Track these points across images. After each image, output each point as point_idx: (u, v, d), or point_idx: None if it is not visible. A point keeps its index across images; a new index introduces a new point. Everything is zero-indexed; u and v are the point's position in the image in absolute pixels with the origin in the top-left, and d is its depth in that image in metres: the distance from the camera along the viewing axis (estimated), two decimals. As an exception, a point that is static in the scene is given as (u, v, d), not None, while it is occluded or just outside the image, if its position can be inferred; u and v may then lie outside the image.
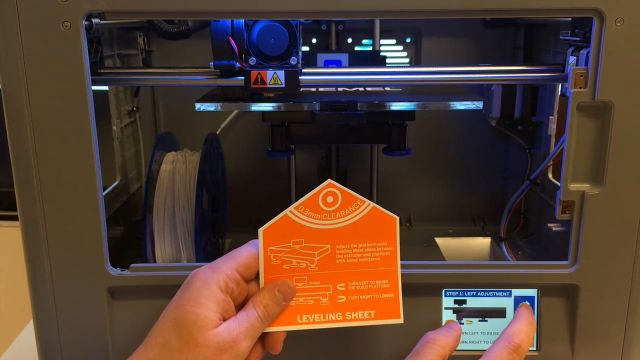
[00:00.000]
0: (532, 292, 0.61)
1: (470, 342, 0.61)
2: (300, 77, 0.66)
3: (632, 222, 0.57)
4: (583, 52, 0.58)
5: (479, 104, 0.66)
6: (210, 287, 0.48)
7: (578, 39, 0.62)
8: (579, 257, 0.58)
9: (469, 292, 0.61)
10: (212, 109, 0.68)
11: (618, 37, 0.52)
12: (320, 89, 0.78)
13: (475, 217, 0.90)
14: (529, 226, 0.81)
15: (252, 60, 0.61)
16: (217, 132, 0.89)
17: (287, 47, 0.60)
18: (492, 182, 0.90)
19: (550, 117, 0.71)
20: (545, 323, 0.61)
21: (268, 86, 0.61)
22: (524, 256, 0.77)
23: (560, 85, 0.68)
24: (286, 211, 0.51)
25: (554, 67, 0.65)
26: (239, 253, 0.51)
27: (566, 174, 0.57)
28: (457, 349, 0.55)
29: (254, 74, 0.61)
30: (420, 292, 0.60)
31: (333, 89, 0.77)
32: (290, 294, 0.51)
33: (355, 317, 0.52)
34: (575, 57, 0.60)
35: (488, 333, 0.61)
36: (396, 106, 0.68)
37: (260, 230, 0.51)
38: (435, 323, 0.61)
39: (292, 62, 0.60)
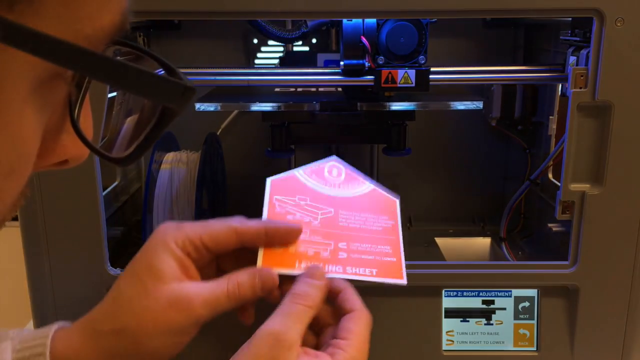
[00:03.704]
0: (532, 292, 0.61)
1: (470, 342, 0.61)
2: (300, 77, 0.66)
3: (632, 222, 0.57)
4: (583, 52, 0.58)
5: (479, 104, 0.66)
6: (168, 242, 0.47)
7: (578, 39, 0.62)
8: (579, 257, 0.58)
9: (469, 292, 0.61)
10: (212, 109, 0.68)
11: (618, 37, 0.52)
12: (320, 89, 0.78)
13: (475, 217, 0.90)
14: (529, 226, 0.81)
15: (381, 60, 0.61)
16: (217, 132, 0.89)
17: (415, 47, 0.61)
18: (492, 182, 0.90)
19: (550, 117, 0.71)
20: (545, 323, 0.61)
21: (398, 85, 0.61)
22: (524, 256, 0.77)
23: (560, 85, 0.68)
24: (294, 171, 0.53)
25: (554, 67, 0.65)
26: (211, 223, 0.49)
27: (566, 174, 0.57)
28: (457, 349, 0.54)
29: (384, 73, 0.61)
30: (420, 292, 0.60)
31: (333, 89, 0.77)
32: (270, 285, 0.47)
33: (356, 272, 0.50)
34: (575, 57, 0.60)
35: (488, 333, 0.61)
36: (396, 106, 0.68)
37: (269, 180, 0.52)
38: (436, 323, 0.61)
39: (421, 61, 0.60)
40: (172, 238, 0.47)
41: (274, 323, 0.43)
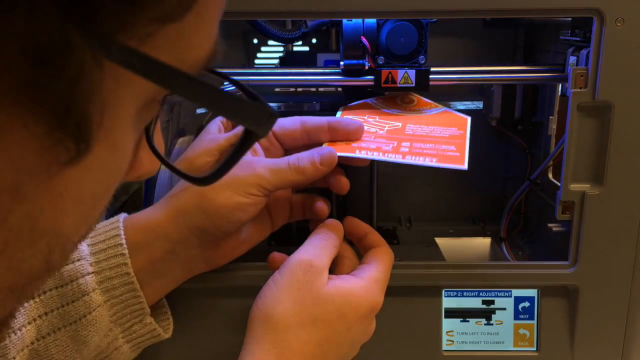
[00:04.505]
0: (532, 292, 0.61)
1: (470, 342, 0.61)
2: (300, 77, 0.66)
3: (632, 222, 0.57)
4: (583, 52, 0.58)
5: (479, 104, 0.66)
6: None
7: (578, 39, 0.62)
8: (579, 257, 0.58)
9: (469, 292, 0.61)
10: (212, 109, 0.67)
11: (618, 37, 0.52)
12: (320, 89, 0.78)
13: (475, 217, 0.90)
14: (529, 226, 0.81)
15: (381, 60, 0.61)
16: (217, 132, 0.89)
17: (415, 47, 0.61)
18: (492, 182, 0.90)
19: (550, 117, 0.71)
20: (545, 323, 0.61)
21: (398, 85, 0.61)
22: (524, 256, 0.77)
23: (560, 85, 0.68)
24: (366, 99, 0.57)
25: (554, 67, 0.65)
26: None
27: (566, 174, 0.57)
28: (457, 349, 0.55)
29: (384, 73, 0.61)
30: (420, 292, 0.60)
31: (333, 89, 0.77)
32: (329, 160, 0.51)
33: (415, 160, 0.52)
34: (575, 57, 0.60)
35: (488, 333, 0.61)
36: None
37: (341, 108, 0.56)
38: (436, 323, 0.61)
39: (421, 61, 0.60)
40: None
41: (307, 253, 0.49)
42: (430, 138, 0.54)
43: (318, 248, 0.50)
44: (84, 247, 0.48)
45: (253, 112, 0.27)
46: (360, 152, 0.52)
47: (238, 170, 0.49)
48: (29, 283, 0.25)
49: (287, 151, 0.55)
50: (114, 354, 0.50)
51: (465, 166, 0.51)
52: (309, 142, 0.54)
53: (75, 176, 0.23)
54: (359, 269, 0.52)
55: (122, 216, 0.51)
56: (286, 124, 0.54)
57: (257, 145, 0.53)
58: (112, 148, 0.24)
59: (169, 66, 0.23)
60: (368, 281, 0.50)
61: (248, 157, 0.51)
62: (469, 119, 0.58)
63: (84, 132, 0.22)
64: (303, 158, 0.51)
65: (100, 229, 0.50)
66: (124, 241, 0.48)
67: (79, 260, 0.47)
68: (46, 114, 0.21)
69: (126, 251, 0.48)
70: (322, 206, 0.54)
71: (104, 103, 0.22)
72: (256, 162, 0.50)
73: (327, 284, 0.48)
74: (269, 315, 0.47)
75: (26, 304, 0.45)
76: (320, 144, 0.54)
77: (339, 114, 0.57)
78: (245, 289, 0.54)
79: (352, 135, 0.54)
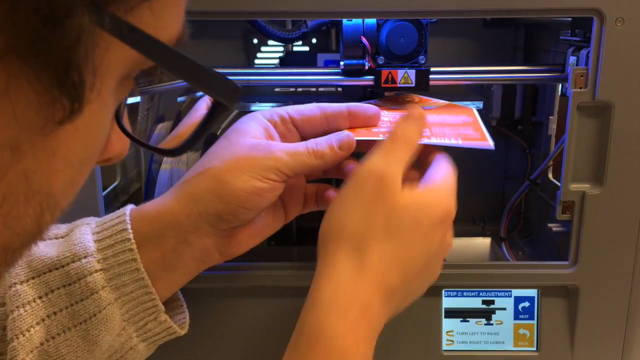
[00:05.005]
0: (532, 292, 0.61)
1: (470, 342, 0.61)
2: (300, 77, 0.66)
3: (632, 222, 0.57)
4: (583, 52, 0.58)
5: (479, 104, 0.66)
6: (255, 114, 0.52)
7: (578, 39, 0.62)
8: (579, 257, 0.58)
9: (469, 292, 0.61)
10: (212, 109, 0.67)
11: (618, 37, 0.52)
12: (320, 89, 0.78)
13: (475, 217, 0.89)
14: (529, 226, 0.81)
15: (381, 60, 0.61)
16: (217, 132, 0.89)
17: (415, 47, 0.61)
18: (492, 182, 0.90)
19: (550, 117, 0.71)
20: (545, 323, 0.61)
21: (398, 85, 0.61)
22: (524, 256, 0.77)
23: (560, 85, 0.68)
24: (368, 102, 0.58)
25: (554, 67, 0.65)
26: (297, 105, 0.54)
27: (566, 174, 0.57)
28: (457, 349, 0.55)
29: (384, 73, 0.61)
30: (420, 292, 0.60)
31: (333, 89, 0.77)
32: (347, 145, 0.50)
33: (442, 140, 0.52)
34: (575, 57, 0.60)
35: (488, 333, 0.61)
36: (396, 106, 0.68)
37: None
38: (436, 323, 0.61)
39: (421, 61, 0.60)
40: (260, 112, 0.52)
41: (377, 162, 0.46)
42: (446, 123, 0.54)
43: (389, 155, 0.47)
44: (90, 244, 0.46)
45: (222, 85, 0.30)
46: (382, 135, 0.51)
47: (256, 153, 0.48)
48: (21, 246, 0.27)
49: (304, 139, 0.54)
50: (130, 354, 0.49)
51: (491, 145, 0.52)
52: (328, 129, 0.53)
53: (66, 137, 0.26)
54: (426, 178, 0.49)
55: (129, 208, 0.49)
56: (305, 111, 0.53)
57: (274, 132, 0.51)
58: (97, 113, 0.27)
59: (152, 37, 0.26)
60: (439, 188, 0.48)
61: (265, 141, 0.50)
62: (474, 107, 0.58)
63: (79, 91, 0.24)
64: (321, 142, 0.50)
65: (107, 222, 0.48)
66: (131, 235, 0.46)
67: (85, 257, 0.46)
68: (48, 71, 0.23)
69: (134, 246, 0.46)
70: (334, 195, 0.52)
71: (95, 67, 0.25)
72: (274, 145, 0.49)
73: (398, 194, 0.45)
74: (341, 229, 0.45)
75: (33, 304, 0.44)
76: (339, 131, 0.52)
77: None
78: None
79: (370, 120, 0.53)
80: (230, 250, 0.51)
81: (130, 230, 0.47)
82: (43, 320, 0.44)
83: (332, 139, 0.50)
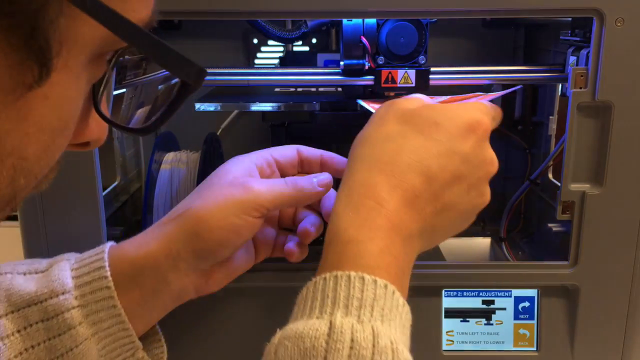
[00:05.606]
0: (532, 292, 0.61)
1: (470, 342, 0.61)
2: (300, 77, 0.66)
3: (632, 222, 0.57)
4: (583, 52, 0.58)
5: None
6: (239, 157, 0.53)
7: (578, 39, 0.62)
8: (579, 257, 0.58)
9: (469, 292, 0.61)
10: (211, 109, 0.67)
11: (618, 37, 0.52)
12: (320, 89, 0.78)
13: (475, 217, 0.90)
14: (529, 226, 0.81)
15: (381, 60, 0.61)
16: (217, 132, 0.89)
17: (415, 47, 0.61)
18: (492, 182, 0.90)
19: (550, 117, 0.71)
20: (545, 323, 0.61)
21: (398, 85, 0.61)
22: (524, 256, 0.77)
23: (560, 85, 0.68)
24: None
25: (554, 67, 0.65)
26: (276, 147, 0.55)
27: (566, 174, 0.57)
28: (457, 349, 0.55)
29: (384, 73, 0.61)
30: (420, 292, 0.60)
31: (333, 89, 0.77)
32: (326, 182, 0.51)
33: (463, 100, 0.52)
34: (575, 57, 0.60)
35: (488, 333, 0.61)
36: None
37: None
38: (436, 323, 0.61)
39: (421, 61, 0.61)
40: (247, 156, 0.53)
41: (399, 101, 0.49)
42: (462, 98, 0.55)
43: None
44: (68, 280, 0.47)
45: (188, 66, 0.32)
46: None
47: (234, 190, 0.48)
48: None
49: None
50: None
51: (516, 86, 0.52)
52: (302, 170, 0.55)
53: (37, 103, 0.28)
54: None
55: (108, 245, 0.50)
56: (285, 150, 0.55)
57: (254, 171, 0.52)
58: (67, 83, 0.29)
59: (117, 13, 0.28)
60: (462, 104, 0.48)
61: (243, 178, 0.50)
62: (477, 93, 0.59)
63: (46, 55, 0.26)
64: (301, 180, 0.51)
65: (86, 259, 0.48)
66: (108, 274, 0.47)
67: (63, 293, 0.46)
68: (17, 32, 0.25)
69: (111, 284, 0.46)
70: (291, 250, 0.53)
71: (61, 35, 0.27)
72: (251, 181, 0.49)
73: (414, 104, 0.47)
74: (360, 137, 0.47)
75: (12, 337, 0.45)
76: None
77: (362, 102, 0.59)
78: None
79: (339, 173, 0.53)
80: (207, 289, 0.51)
81: (108, 269, 0.47)
82: (21, 353, 0.45)
83: (312, 176, 0.51)
